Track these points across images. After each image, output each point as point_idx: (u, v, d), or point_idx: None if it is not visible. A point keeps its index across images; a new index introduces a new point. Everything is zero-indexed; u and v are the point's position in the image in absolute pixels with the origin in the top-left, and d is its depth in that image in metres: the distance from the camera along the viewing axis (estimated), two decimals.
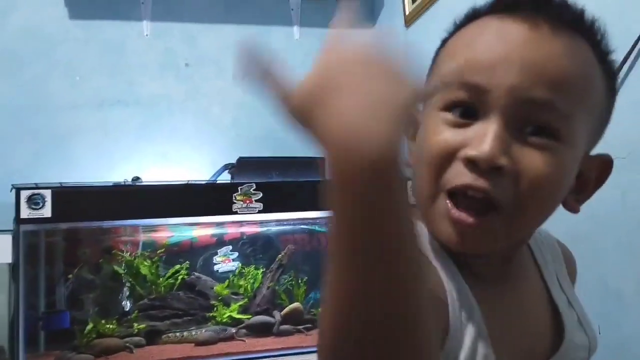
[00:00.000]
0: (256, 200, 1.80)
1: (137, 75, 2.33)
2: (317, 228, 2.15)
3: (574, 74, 0.50)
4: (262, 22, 2.49)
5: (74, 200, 1.72)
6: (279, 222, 2.09)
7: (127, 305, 1.93)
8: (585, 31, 0.52)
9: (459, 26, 0.56)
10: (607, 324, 1.26)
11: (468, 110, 0.50)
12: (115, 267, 1.95)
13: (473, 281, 0.53)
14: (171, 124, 2.34)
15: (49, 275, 1.90)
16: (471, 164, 0.48)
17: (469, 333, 0.50)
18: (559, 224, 1.47)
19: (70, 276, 1.89)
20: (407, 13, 2.19)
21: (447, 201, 0.50)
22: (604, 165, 0.57)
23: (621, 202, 1.23)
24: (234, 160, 2.11)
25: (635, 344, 1.21)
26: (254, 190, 1.80)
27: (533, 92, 0.48)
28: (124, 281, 1.95)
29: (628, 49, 1.20)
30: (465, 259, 0.54)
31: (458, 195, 0.50)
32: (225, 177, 2.13)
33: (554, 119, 0.49)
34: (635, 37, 1.18)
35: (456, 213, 0.50)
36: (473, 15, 0.55)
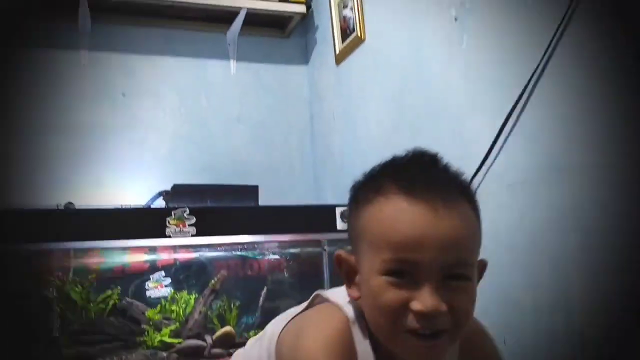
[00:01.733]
0: (189, 225, 1.85)
1: (73, 104, 2.35)
2: (249, 254, 2.21)
3: (469, 236, 0.73)
4: (199, 55, 2.57)
5: (6, 225, 1.73)
6: (212, 247, 2.14)
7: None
8: (465, 195, 0.75)
9: (365, 194, 0.76)
10: (510, 335, 1.39)
11: (402, 272, 0.71)
12: (45, 292, 1.94)
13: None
14: (107, 151, 2.36)
15: None
16: (420, 314, 0.69)
17: None
18: None
19: None
20: (337, 52, 2.35)
21: (413, 337, 0.70)
22: (484, 265, 0.78)
23: (519, 223, 1.38)
24: (169, 188, 2.16)
25: (535, 352, 1.34)
26: (187, 214, 1.85)
27: (449, 259, 0.70)
28: (53, 306, 1.94)
29: (516, 97, 1.37)
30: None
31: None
32: (160, 204, 2.17)
33: (465, 269, 0.71)
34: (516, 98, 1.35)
35: (422, 344, 0.70)
36: (378, 186, 0.75)
